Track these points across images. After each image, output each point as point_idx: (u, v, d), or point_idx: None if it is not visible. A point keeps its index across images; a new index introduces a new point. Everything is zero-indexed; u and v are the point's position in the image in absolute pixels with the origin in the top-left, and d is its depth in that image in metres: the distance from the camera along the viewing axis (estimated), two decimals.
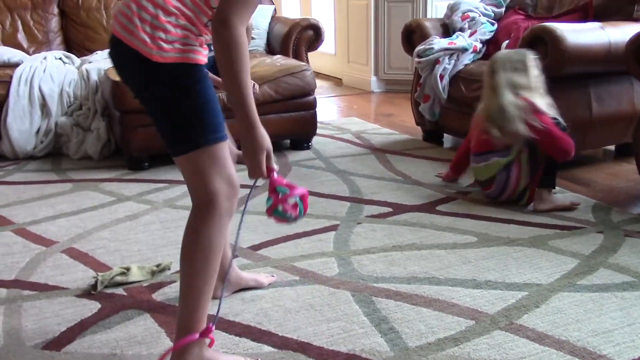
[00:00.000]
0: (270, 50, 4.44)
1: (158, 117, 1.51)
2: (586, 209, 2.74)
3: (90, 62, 3.96)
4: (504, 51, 2.87)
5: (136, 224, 2.65)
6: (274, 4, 4.78)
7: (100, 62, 3.95)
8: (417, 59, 3.76)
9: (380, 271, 2.17)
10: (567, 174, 3.25)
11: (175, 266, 2.22)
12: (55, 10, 4.34)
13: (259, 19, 4.46)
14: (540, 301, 1.94)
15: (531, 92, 2.69)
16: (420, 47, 3.75)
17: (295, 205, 1.50)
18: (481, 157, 2.81)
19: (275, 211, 1.50)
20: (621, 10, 3.39)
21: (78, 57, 4.11)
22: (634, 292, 2.00)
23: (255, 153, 1.42)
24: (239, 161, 1.64)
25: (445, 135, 3.98)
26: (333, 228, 2.56)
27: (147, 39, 1.42)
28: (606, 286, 2.04)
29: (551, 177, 2.74)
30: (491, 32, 3.86)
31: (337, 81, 6.61)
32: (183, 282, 1.54)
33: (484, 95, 2.86)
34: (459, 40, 3.72)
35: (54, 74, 3.73)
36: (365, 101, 5.59)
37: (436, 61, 3.67)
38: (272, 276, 2.11)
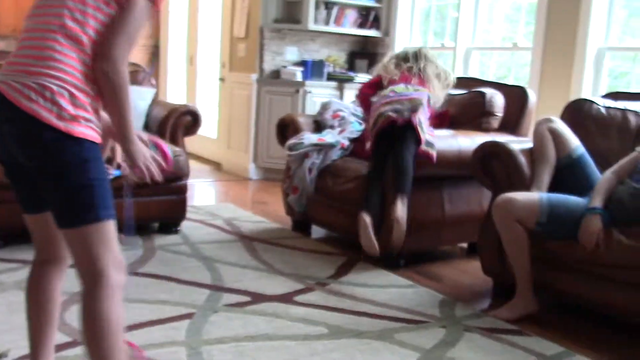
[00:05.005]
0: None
1: (55, 187, 1.52)
2: (434, 304, 2.90)
3: None
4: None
5: None
6: (155, 87, 4.84)
7: None
8: (288, 152, 3.91)
9: None
10: (422, 268, 3.45)
11: (14, 353, 2.12)
12: None
13: (138, 101, 4.49)
14: None
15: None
16: (292, 141, 3.92)
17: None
18: None
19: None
20: (473, 120, 3.75)
21: None
22: None
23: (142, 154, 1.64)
24: None
25: (313, 226, 4.11)
26: (188, 316, 2.55)
27: (61, 112, 1.47)
28: None
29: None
30: (359, 131, 4.10)
31: (217, 165, 6.68)
32: None
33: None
34: (328, 137, 3.93)
35: None
36: (242, 188, 5.68)
37: (305, 155, 3.84)
38: None
